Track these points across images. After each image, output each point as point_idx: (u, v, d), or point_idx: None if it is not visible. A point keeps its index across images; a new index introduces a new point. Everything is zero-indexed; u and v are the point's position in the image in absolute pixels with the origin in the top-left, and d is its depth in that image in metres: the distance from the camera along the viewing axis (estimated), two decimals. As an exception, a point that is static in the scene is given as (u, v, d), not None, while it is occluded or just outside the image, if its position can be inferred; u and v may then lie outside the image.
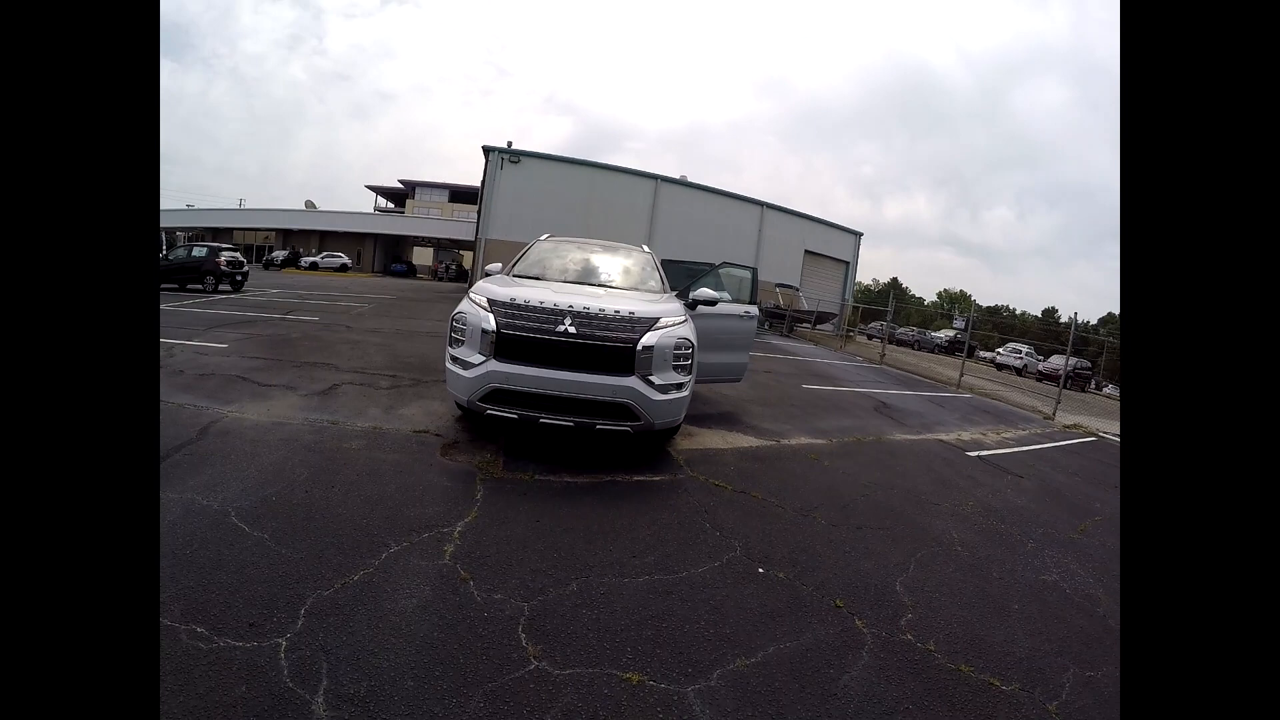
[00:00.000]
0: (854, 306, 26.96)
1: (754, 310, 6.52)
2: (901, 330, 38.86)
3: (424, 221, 50.67)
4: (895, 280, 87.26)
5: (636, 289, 5.25)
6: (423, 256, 56.30)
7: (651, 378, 4.00)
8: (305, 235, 47.83)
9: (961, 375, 14.16)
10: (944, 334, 32.60)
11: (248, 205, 52.14)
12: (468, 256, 42.48)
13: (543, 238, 6.23)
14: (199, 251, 17.44)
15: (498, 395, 4.00)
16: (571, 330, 3.95)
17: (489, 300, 4.19)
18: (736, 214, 25.76)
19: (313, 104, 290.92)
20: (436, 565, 2.70)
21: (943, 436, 7.28)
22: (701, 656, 2.30)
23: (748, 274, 6.94)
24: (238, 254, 18.04)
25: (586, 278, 5.38)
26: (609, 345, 3.97)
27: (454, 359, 4.17)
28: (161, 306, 12.55)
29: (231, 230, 48.68)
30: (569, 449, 4.51)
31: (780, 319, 21.75)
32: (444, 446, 4.36)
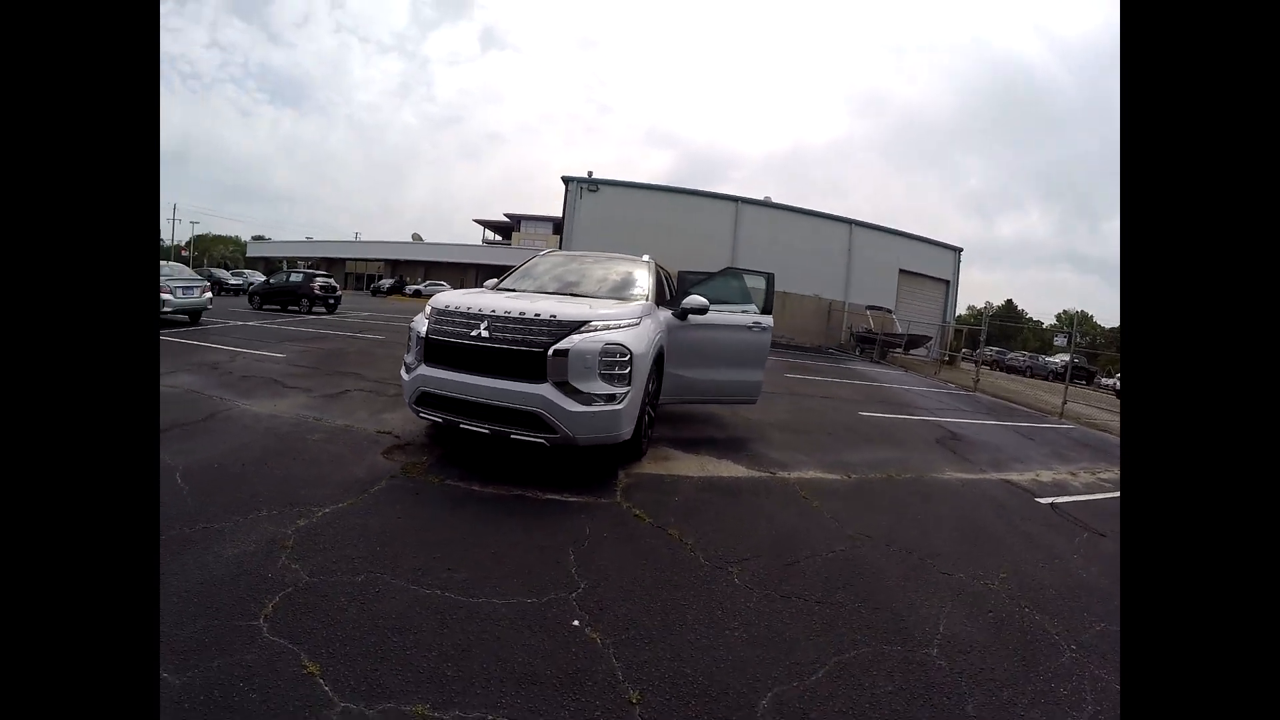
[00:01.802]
0: (955, 330, 25.28)
1: (767, 321, 5.82)
2: (1012, 355, 35.90)
3: (522, 252, 53.79)
4: (1009, 303, 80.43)
5: (610, 297, 4.97)
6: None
7: (572, 386, 3.76)
8: (412, 265, 52.26)
9: (1064, 403, 12.62)
10: (1059, 359, 29.72)
11: (363, 238, 58.05)
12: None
13: (543, 252, 6.40)
14: (296, 277, 19.81)
15: (426, 399, 4.14)
16: (484, 334, 3.93)
17: (430, 307, 4.37)
18: (824, 234, 25.03)
19: (425, 147, 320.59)
20: (277, 533, 2.98)
21: (1013, 476, 5.96)
22: (393, 684, 1.98)
23: (761, 280, 6.20)
24: (331, 280, 20.26)
25: (562, 287, 5.28)
26: (518, 350, 3.84)
27: (403, 364, 4.50)
28: (254, 323, 14.42)
29: (345, 260, 54.31)
30: (515, 462, 4.34)
31: (870, 344, 20.95)
32: (392, 447, 4.57)
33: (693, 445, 5.50)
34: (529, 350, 3.82)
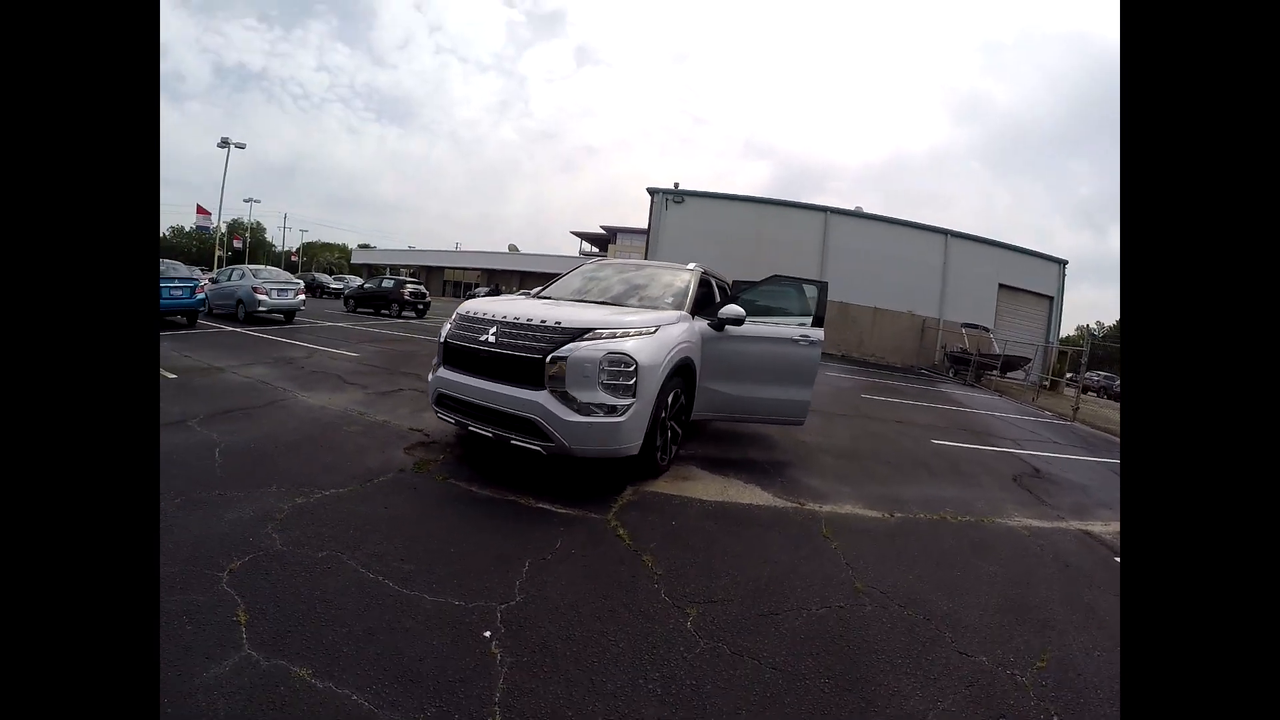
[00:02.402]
0: (1059, 351, 23.05)
1: (816, 335, 5.35)
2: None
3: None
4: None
5: (644, 306, 4.88)
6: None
7: (570, 394, 3.72)
8: (508, 275, 54.53)
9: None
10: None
11: (462, 248, 61.27)
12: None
13: (590, 262, 6.48)
14: (387, 283, 21.33)
15: (442, 401, 4.27)
16: (491, 340, 4.00)
17: (456, 313, 4.51)
18: (918, 245, 23.57)
19: (523, 160, 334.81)
20: (275, 507, 3.26)
21: (1095, 527, 4.88)
22: (295, 647, 2.11)
23: (813, 291, 5.70)
24: (421, 286, 21.60)
25: (599, 296, 5.28)
26: (518, 356, 3.87)
27: (431, 365, 4.68)
28: (343, 324, 15.52)
29: (444, 269, 57.46)
30: (525, 468, 4.28)
31: (964, 365, 19.60)
32: (416, 444, 4.72)
33: (724, 466, 5.13)
34: (528, 356, 3.84)
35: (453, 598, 2.54)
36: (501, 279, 54.13)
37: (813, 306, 5.63)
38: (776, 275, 6.01)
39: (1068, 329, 30.56)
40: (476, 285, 53.35)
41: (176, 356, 8.54)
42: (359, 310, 21.20)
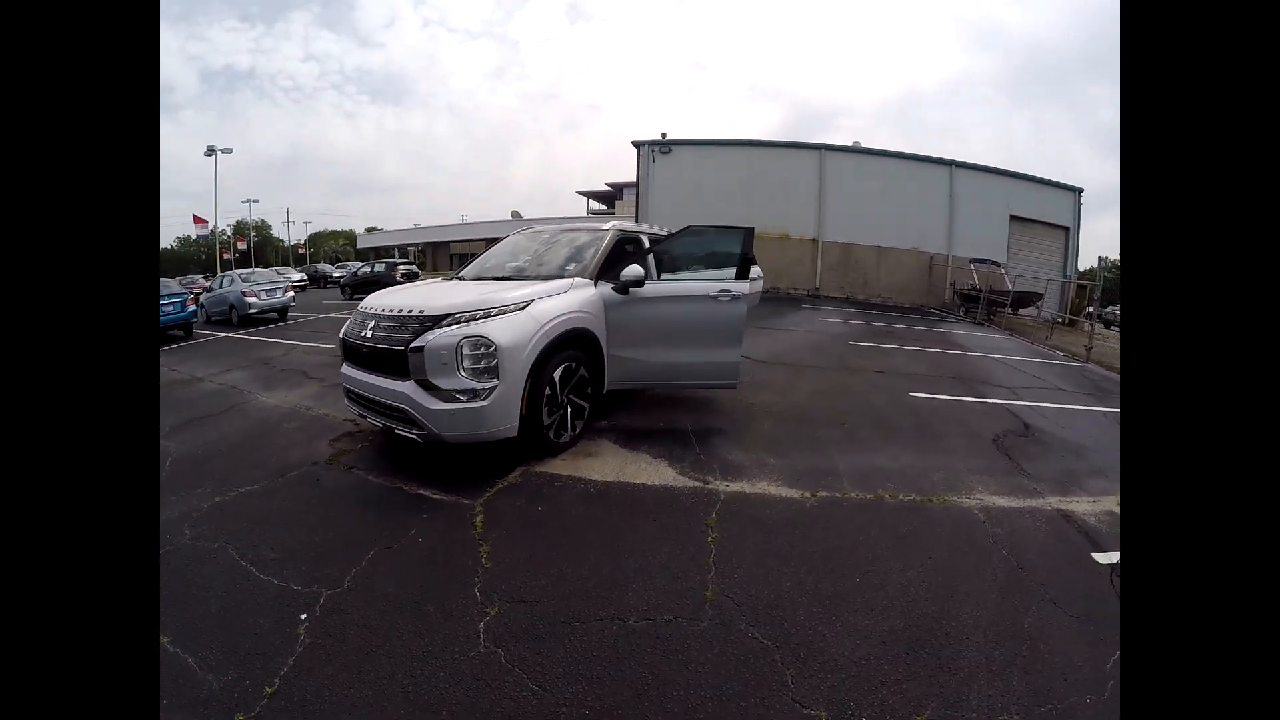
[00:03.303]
0: (1077, 285, 22.37)
1: (738, 288, 4.93)
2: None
3: (622, 221, 54.42)
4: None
5: (548, 277, 4.87)
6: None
7: (431, 382, 3.83)
8: (513, 244, 54.66)
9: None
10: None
11: (468, 220, 61.52)
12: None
13: (515, 232, 6.53)
14: (379, 268, 22.01)
15: (347, 394, 4.58)
16: (368, 335, 4.23)
17: (356, 309, 4.72)
18: (922, 179, 22.68)
19: (527, 123, 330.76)
20: (196, 506, 3.78)
21: (1078, 506, 3.95)
22: None
23: (735, 239, 5.22)
24: (414, 267, 22.26)
25: (507, 271, 5.38)
26: (386, 349, 4.06)
27: None
28: (334, 315, 16.08)
29: (449, 243, 57.95)
30: (430, 455, 4.40)
31: (974, 303, 19.27)
32: (342, 435, 5.12)
33: (641, 438, 4.88)
34: (392, 349, 4.01)
35: (294, 583, 2.87)
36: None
37: (732, 258, 5.18)
38: (691, 226, 5.73)
39: (1088, 261, 28.93)
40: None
41: (165, 370, 9.20)
42: (355, 297, 21.87)
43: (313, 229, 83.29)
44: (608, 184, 61.18)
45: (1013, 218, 23.03)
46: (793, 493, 3.92)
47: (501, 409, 3.93)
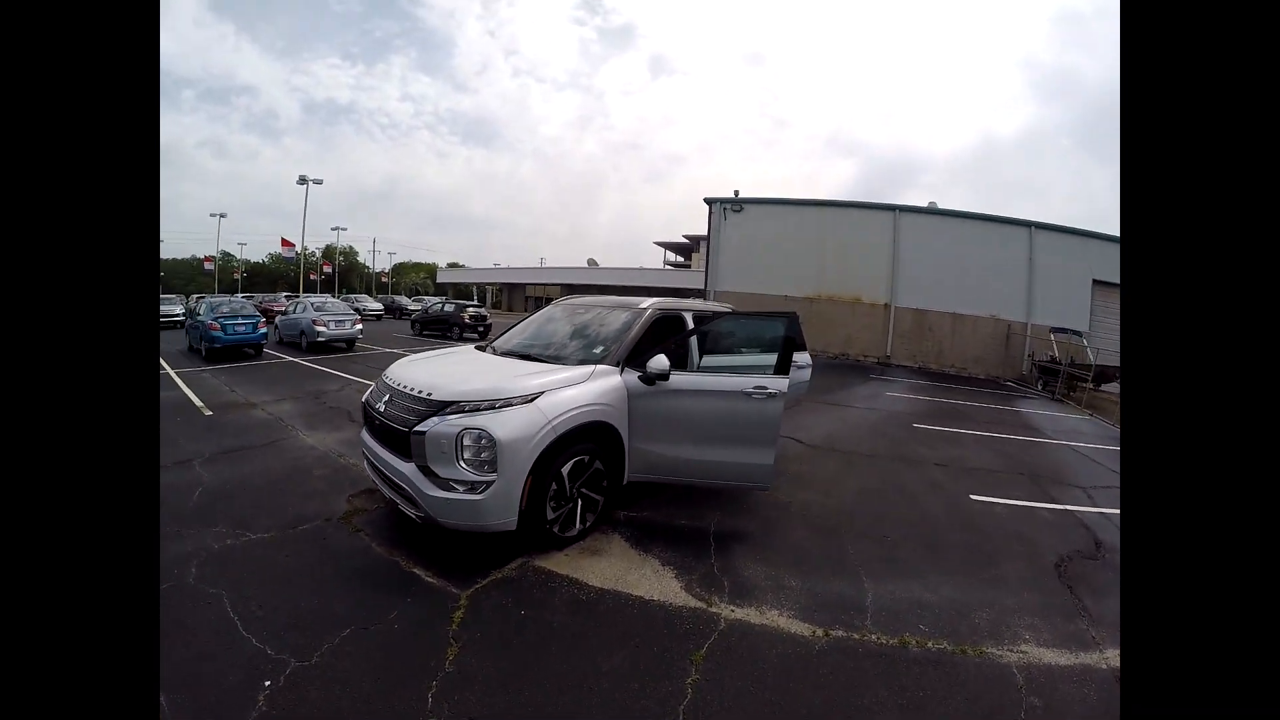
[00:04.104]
0: None
1: (774, 385, 4.58)
2: None
3: (694, 275, 55.06)
4: None
5: (572, 361, 4.80)
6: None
7: (431, 469, 3.82)
8: (586, 289, 55.95)
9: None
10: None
11: (547, 263, 63.64)
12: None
13: (555, 303, 6.49)
14: (448, 308, 22.80)
15: (366, 461, 4.63)
16: (382, 408, 4.30)
17: (380, 376, 4.86)
18: (999, 241, 21.55)
19: (609, 172, 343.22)
20: (207, 546, 4.01)
21: None
22: None
23: (777, 326, 4.98)
24: (481, 310, 22.98)
25: (535, 348, 5.28)
26: (393, 427, 4.10)
27: None
28: (399, 350, 16.73)
29: (525, 285, 59.86)
30: (436, 531, 4.18)
31: (1053, 376, 18.23)
32: (361, 491, 5.15)
33: (657, 537, 4.58)
34: (398, 429, 4.04)
35: (269, 646, 2.92)
36: (581, 293, 55.26)
37: (774, 348, 4.87)
38: (733, 312, 5.66)
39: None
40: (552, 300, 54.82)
41: (225, 391, 9.78)
42: (424, 333, 22.80)
43: (398, 258, 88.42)
44: (685, 236, 62.23)
45: (1096, 282, 21.51)
46: (803, 628, 3.42)
47: (500, 503, 3.82)
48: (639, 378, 4.57)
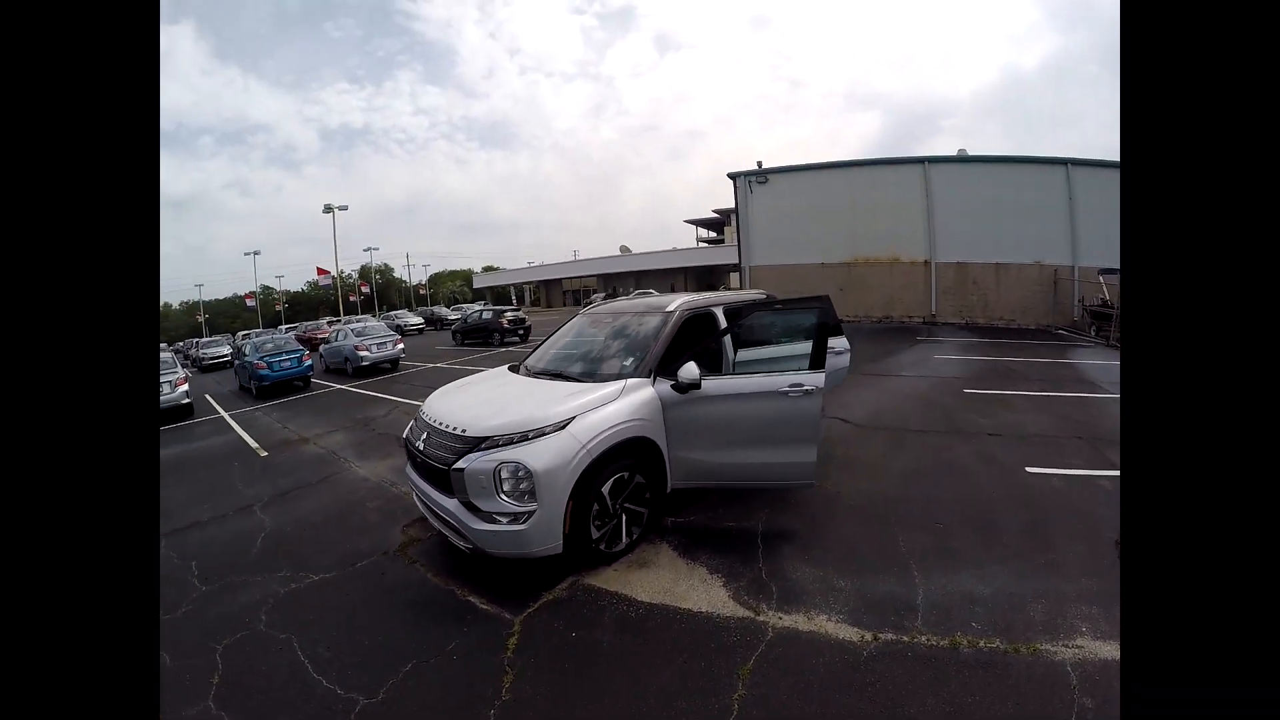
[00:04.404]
0: None
1: (810, 382, 4.43)
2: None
3: (729, 250, 54.28)
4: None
5: (598, 376, 4.81)
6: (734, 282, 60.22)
7: (473, 503, 3.90)
8: (623, 277, 56.00)
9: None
10: None
11: (580, 256, 64.00)
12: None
13: (585, 308, 6.57)
14: (487, 315, 23.24)
15: (414, 493, 4.71)
16: (421, 447, 4.38)
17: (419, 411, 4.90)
18: (1037, 183, 20.61)
19: (630, 157, 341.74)
20: (271, 591, 4.27)
21: None
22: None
23: (809, 313, 4.84)
24: (520, 313, 23.31)
25: (564, 364, 5.33)
26: (434, 465, 4.18)
27: None
28: (443, 364, 17.12)
29: (561, 280, 60.34)
30: (496, 561, 4.24)
31: (1107, 320, 17.37)
32: (416, 519, 5.25)
33: (705, 542, 4.56)
34: (439, 466, 4.12)
35: (337, 686, 3.13)
36: (618, 281, 55.47)
37: (807, 341, 4.74)
38: (761, 301, 5.55)
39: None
40: (592, 293, 55.00)
41: (278, 428, 10.24)
42: (466, 342, 23.21)
43: (432, 269, 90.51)
44: (715, 211, 61.44)
45: (1149, 218, 20.55)
46: (851, 633, 3.33)
47: (543, 530, 3.88)
48: (671, 386, 4.51)
